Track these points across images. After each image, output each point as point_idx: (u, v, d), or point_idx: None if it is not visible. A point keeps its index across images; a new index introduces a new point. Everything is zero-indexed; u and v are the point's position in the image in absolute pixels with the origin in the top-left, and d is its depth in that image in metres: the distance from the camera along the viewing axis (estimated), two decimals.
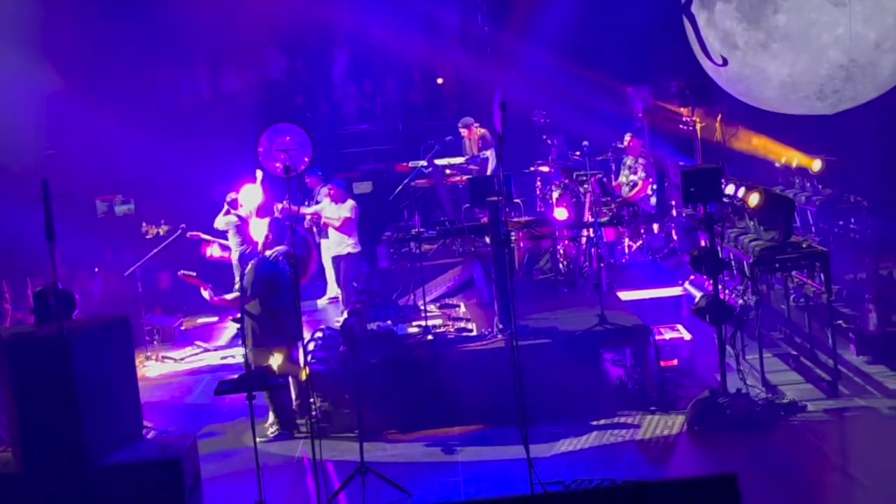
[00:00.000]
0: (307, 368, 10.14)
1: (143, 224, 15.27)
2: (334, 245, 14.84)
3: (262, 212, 13.73)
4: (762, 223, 11.07)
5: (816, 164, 14.41)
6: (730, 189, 11.46)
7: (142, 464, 7.83)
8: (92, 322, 8.76)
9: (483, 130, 16.51)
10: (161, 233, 14.89)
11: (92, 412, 7.62)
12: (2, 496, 7.63)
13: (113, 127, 17.27)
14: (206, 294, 11.19)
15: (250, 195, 14.04)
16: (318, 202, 15.06)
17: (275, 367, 10.17)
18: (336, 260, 14.92)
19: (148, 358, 14.27)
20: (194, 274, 11.32)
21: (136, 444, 8.14)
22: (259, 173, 13.92)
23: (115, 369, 8.05)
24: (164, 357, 14.43)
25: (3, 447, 10.01)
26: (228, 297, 11.18)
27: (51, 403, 7.56)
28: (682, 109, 15.59)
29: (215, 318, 16.07)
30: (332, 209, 14.68)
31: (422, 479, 9.33)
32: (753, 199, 10.99)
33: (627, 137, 15.35)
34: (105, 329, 8.24)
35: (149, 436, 9.85)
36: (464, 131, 16.68)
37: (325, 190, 14.91)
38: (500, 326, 11.25)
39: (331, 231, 14.80)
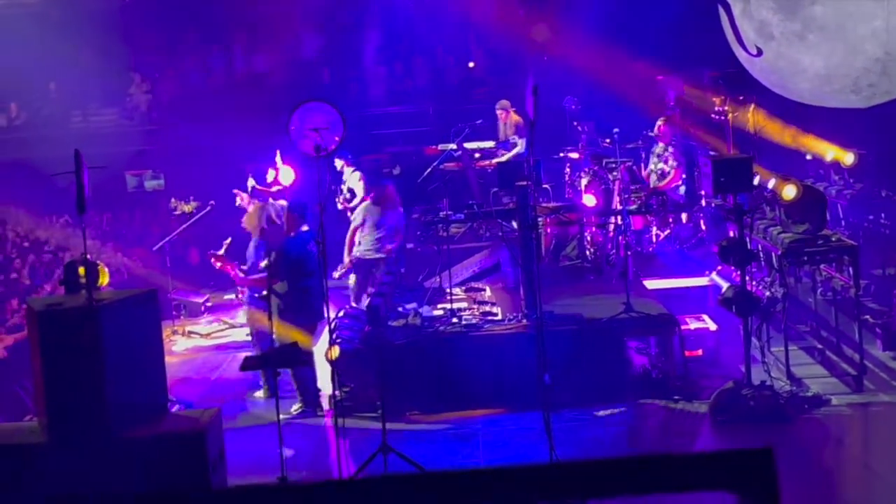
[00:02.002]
0: (336, 348, 10.18)
1: (172, 199, 15.36)
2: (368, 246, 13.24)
3: (287, 193, 13.82)
4: (794, 215, 10.98)
5: (849, 158, 14.30)
6: (755, 180, 11.39)
7: (166, 436, 7.89)
8: (120, 294, 8.82)
9: (519, 118, 16.45)
10: (189, 209, 14.96)
11: (118, 384, 7.67)
12: (26, 465, 7.69)
13: (147, 102, 17.38)
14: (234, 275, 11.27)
15: (287, 175, 14.18)
16: (344, 182, 15.08)
17: None
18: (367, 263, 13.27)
19: (174, 332, 14.36)
20: (222, 253, 11.38)
21: (161, 416, 8.19)
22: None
23: (142, 342, 8.09)
24: (190, 332, 14.52)
25: (29, 416, 10.12)
26: (255, 277, 11.23)
27: (77, 374, 7.60)
28: (714, 99, 15.49)
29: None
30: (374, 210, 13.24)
31: (443, 460, 9.36)
32: (790, 192, 10.88)
33: (659, 123, 15.29)
34: (133, 302, 8.28)
35: (174, 409, 9.92)
36: (501, 113, 16.59)
37: (351, 170, 14.95)
38: (526, 311, 11.25)
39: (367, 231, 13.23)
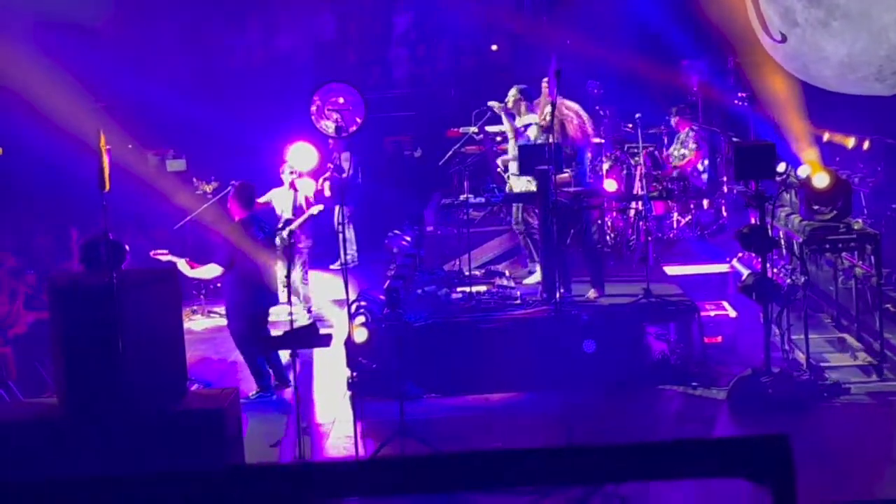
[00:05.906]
0: (364, 329, 10.15)
1: (194, 179, 15.37)
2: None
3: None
4: (820, 203, 10.86)
5: (864, 145, 14.18)
6: (781, 167, 11.31)
7: (184, 414, 7.93)
8: (141, 273, 8.85)
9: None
10: (209, 189, 14.97)
11: (137, 361, 7.70)
12: (45, 441, 7.74)
13: (167, 84, 17.38)
14: (184, 267, 11.08)
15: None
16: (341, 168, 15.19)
17: None
18: None
19: (194, 312, 14.40)
20: (166, 251, 11.39)
21: (179, 395, 8.23)
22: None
23: (161, 320, 8.12)
24: (210, 312, 14.56)
25: (48, 393, 10.18)
26: (204, 267, 11.10)
27: (96, 351, 7.63)
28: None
29: None
30: None
31: (460, 442, 9.36)
32: (822, 180, 10.74)
33: (673, 116, 15.23)
34: (153, 280, 8.32)
35: (192, 388, 9.96)
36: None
37: (346, 155, 15.06)
38: (545, 296, 11.24)
39: None
